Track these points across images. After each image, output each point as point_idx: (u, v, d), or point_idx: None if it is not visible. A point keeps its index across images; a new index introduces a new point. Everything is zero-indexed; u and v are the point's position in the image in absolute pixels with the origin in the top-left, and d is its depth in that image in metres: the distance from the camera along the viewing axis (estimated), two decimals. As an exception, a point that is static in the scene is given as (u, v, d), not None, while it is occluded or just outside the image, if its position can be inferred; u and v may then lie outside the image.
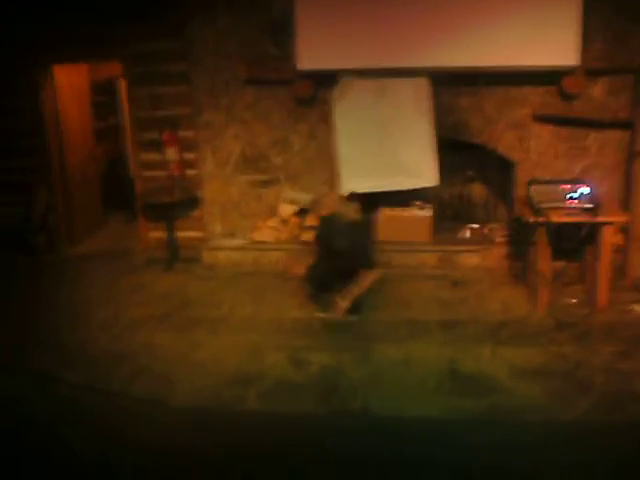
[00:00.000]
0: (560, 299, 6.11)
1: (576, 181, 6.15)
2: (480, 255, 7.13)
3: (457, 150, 7.28)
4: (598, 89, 6.82)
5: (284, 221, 7.51)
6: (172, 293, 6.81)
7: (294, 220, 7.52)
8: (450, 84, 6.94)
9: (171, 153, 7.88)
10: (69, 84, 8.61)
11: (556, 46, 6.49)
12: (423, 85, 6.81)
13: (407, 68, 6.77)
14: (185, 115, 7.79)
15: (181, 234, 7.89)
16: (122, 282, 7.23)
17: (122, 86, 8.58)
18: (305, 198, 7.52)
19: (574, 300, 6.11)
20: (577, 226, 5.87)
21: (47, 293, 7.06)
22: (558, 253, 6.14)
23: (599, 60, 6.65)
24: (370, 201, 7.21)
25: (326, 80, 6.96)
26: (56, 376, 5.09)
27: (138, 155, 8.23)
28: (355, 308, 6.00)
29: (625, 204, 6.70)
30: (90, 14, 7.57)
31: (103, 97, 10.04)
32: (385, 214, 7.40)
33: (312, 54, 6.85)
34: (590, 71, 6.63)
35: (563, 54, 6.49)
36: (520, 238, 6.69)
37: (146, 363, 5.28)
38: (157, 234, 8.03)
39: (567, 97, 6.81)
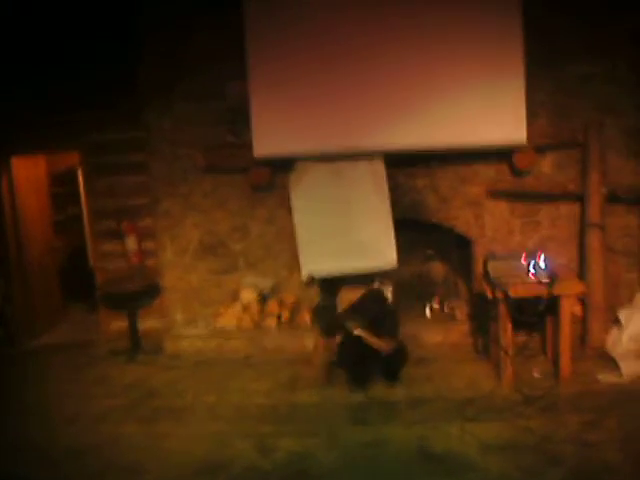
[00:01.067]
0: (524, 372, 6.13)
1: (532, 255, 6.25)
2: (442, 332, 7.16)
3: (415, 229, 7.40)
4: (547, 164, 7.03)
5: (245, 307, 7.50)
6: (136, 384, 6.71)
7: (255, 306, 7.51)
8: (405, 165, 7.10)
9: (130, 242, 7.90)
10: (26, 176, 8.62)
11: (503, 124, 6.69)
12: (378, 167, 6.94)
13: (362, 151, 6.91)
14: (143, 204, 7.85)
15: (143, 323, 7.82)
16: (85, 374, 7.10)
17: (80, 176, 8.61)
18: (265, 283, 7.54)
19: (538, 373, 6.14)
20: (536, 299, 5.94)
21: (7, 387, 6.90)
22: (519, 326, 6.20)
23: (545, 136, 6.89)
24: (330, 284, 7.29)
25: (283, 166, 7.08)
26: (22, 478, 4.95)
27: (97, 245, 8.23)
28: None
29: (580, 274, 6.82)
30: (46, 105, 7.71)
31: (62, 188, 10.05)
32: (345, 294, 7.42)
33: (268, 141, 6.96)
34: (538, 147, 6.84)
35: (511, 131, 6.69)
36: (481, 314, 6.76)
37: (112, 456, 5.15)
38: (118, 324, 7.95)
39: (518, 173, 7.00)
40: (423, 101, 6.80)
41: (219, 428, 5.52)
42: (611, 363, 6.20)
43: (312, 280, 7.18)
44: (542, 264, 6.05)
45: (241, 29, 6.88)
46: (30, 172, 8.75)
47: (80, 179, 8.68)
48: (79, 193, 9.14)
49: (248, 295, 7.52)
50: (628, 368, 5.99)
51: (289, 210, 7.15)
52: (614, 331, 6.49)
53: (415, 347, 7.00)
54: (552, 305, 5.96)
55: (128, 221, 7.91)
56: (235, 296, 7.61)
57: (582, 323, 6.75)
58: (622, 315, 6.51)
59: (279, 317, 7.48)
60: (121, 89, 7.52)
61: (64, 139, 7.93)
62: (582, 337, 6.74)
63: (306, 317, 7.41)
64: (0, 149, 8.03)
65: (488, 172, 7.13)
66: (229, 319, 7.50)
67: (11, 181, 8.32)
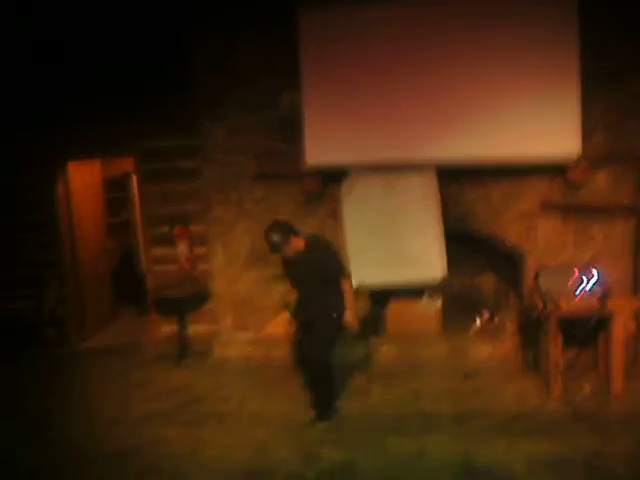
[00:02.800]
0: (574, 388, 6.02)
1: (585, 269, 6.15)
2: (491, 345, 7.08)
3: (466, 241, 7.34)
4: (602, 177, 6.92)
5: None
6: (182, 388, 6.76)
7: (304, 313, 7.49)
8: (457, 177, 7.04)
9: (182, 248, 7.97)
10: (82, 180, 8.80)
11: (558, 137, 6.63)
12: (430, 178, 6.91)
13: (414, 162, 6.88)
14: (196, 210, 7.93)
15: (192, 328, 7.90)
16: (132, 376, 7.20)
17: (134, 182, 8.75)
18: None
19: (588, 389, 6.02)
20: (588, 314, 5.84)
21: (56, 387, 7.05)
22: (570, 341, 6.10)
23: (601, 150, 6.79)
24: (380, 294, 7.26)
25: (334, 175, 7.09)
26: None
27: (149, 250, 8.33)
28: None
29: (635, 290, 6.68)
30: (103, 113, 7.85)
31: (116, 193, 10.22)
32: (395, 306, 7.40)
33: (320, 150, 7.00)
34: (593, 162, 6.73)
35: (565, 145, 6.62)
36: (531, 327, 6.66)
37: (154, 460, 5.19)
38: (167, 328, 8.02)
39: (572, 186, 6.89)
40: (477, 114, 6.78)
41: (263, 435, 5.53)
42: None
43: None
44: (595, 279, 5.95)
45: (294, 39, 6.94)
46: (85, 177, 8.92)
47: (134, 185, 8.81)
48: (132, 198, 9.28)
49: (297, 303, 7.51)
50: (682, 388, 5.86)
51: (340, 220, 7.15)
52: (668, 350, 6.35)
53: (464, 360, 6.95)
54: (604, 321, 5.86)
55: (180, 227, 7.99)
56: (284, 303, 7.61)
57: (635, 340, 6.60)
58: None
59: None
60: (176, 97, 7.62)
61: (120, 146, 8.06)
62: (635, 356, 6.60)
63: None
64: (57, 154, 8.19)
65: (541, 185, 7.05)
66: (278, 326, 7.49)
67: (67, 186, 8.49)
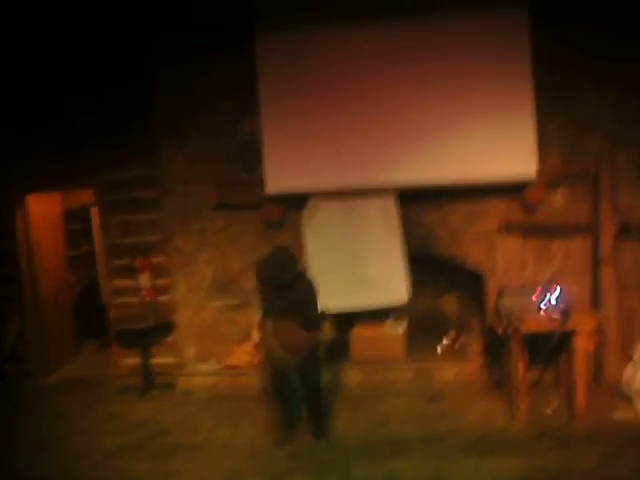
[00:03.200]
0: (539, 407, 6.07)
1: (545, 289, 6.23)
2: (456, 367, 7.11)
3: (428, 264, 7.38)
4: (559, 198, 7.00)
5: (258, 345, 7.46)
6: (148, 420, 6.69)
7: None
8: (416, 200, 7.10)
9: (144, 279, 7.91)
10: (42, 213, 8.70)
11: (514, 159, 6.70)
12: (390, 203, 6.97)
13: (374, 187, 6.93)
14: (157, 241, 7.88)
15: (155, 360, 7.81)
16: (97, 411, 7.10)
17: (95, 214, 8.69)
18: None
19: (553, 407, 6.08)
20: (550, 333, 5.91)
21: (20, 423, 6.91)
22: (534, 360, 6.15)
23: (557, 170, 6.88)
24: (344, 320, 7.27)
25: (295, 203, 7.11)
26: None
27: (111, 282, 8.25)
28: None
29: (595, 307, 6.78)
30: (61, 144, 7.82)
31: (76, 225, 10.12)
32: (358, 331, 7.42)
33: (280, 178, 7.02)
34: (549, 182, 6.84)
35: (521, 167, 6.69)
36: (494, 348, 6.72)
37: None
38: (131, 360, 7.93)
39: (530, 207, 6.98)
40: (434, 137, 6.82)
41: (231, 465, 5.49)
42: (626, 399, 6.14)
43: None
44: (554, 299, 6.03)
45: (253, 67, 6.97)
46: (45, 209, 8.83)
47: (94, 216, 8.75)
48: (93, 230, 9.21)
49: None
50: (643, 405, 5.94)
51: (302, 246, 7.16)
52: (629, 367, 6.42)
53: (428, 383, 6.98)
54: (567, 338, 5.93)
55: (142, 258, 7.94)
56: (247, 334, 7.60)
57: (598, 358, 6.68)
58: (636, 351, 6.44)
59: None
60: (135, 128, 7.63)
61: (79, 177, 7.98)
62: (597, 373, 6.68)
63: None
64: (16, 187, 8.12)
65: (500, 207, 7.12)
66: (242, 356, 7.48)
67: (26, 218, 8.40)
